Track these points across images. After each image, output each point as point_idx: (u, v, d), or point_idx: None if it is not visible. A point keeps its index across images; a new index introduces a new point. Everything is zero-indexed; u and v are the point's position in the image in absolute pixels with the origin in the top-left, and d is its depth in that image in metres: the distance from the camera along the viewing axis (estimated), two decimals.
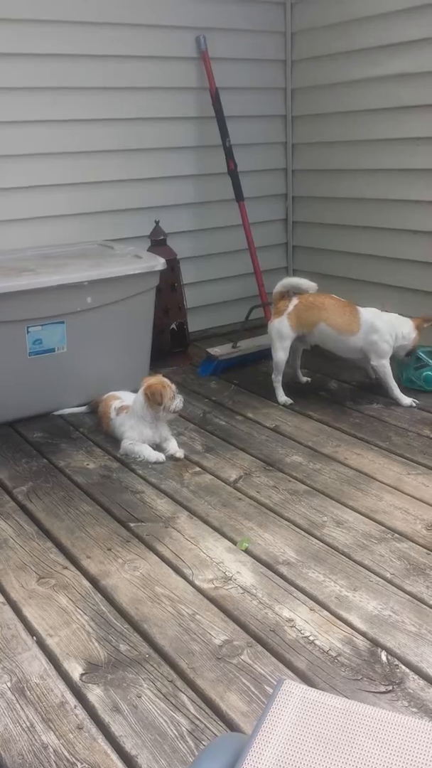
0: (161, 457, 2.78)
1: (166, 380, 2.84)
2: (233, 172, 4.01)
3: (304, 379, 3.56)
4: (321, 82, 4.17)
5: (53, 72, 3.58)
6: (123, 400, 2.98)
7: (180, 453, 2.82)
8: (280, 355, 3.27)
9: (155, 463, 2.76)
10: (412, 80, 3.65)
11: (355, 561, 2.11)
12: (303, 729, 1.01)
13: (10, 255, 3.43)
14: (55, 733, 1.54)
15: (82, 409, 3.25)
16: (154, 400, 2.78)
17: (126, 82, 3.81)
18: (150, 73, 3.88)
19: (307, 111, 4.34)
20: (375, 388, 3.40)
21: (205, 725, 1.55)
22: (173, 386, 2.84)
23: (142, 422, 2.84)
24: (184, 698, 1.63)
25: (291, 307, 3.23)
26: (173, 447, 2.85)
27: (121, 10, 3.71)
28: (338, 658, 1.73)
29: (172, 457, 2.81)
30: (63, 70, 3.61)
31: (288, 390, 3.40)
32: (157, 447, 2.86)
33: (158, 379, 2.85)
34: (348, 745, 0.99)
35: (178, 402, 2.83)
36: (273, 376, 3.33)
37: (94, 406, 3.18)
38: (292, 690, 1.07)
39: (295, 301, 3.24)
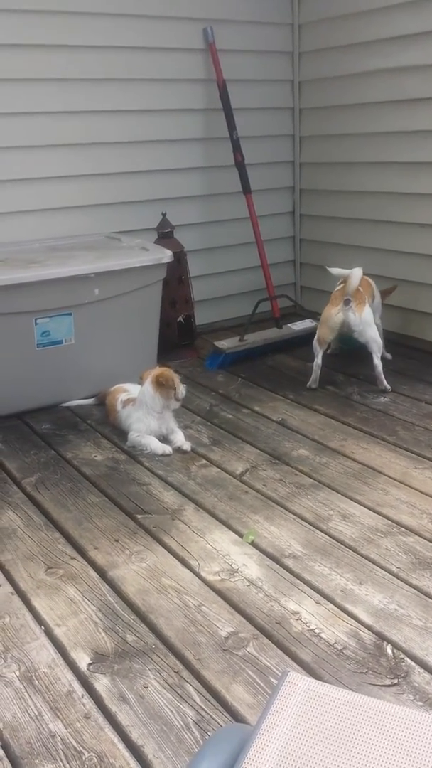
0: (168, 449, 2.80)
1: (169, 369, 2.87)
2: (240, 165, 4.00)
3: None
4: (328, 74, 4.15)
5: (60, 63, 3.58)
6: (130, 393, 2.99)
7: (187, 445, 2.83)
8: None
9: (162, 455, 2.78)
10: (419, 72, 3.63)
11: (361, 555, 2.12)
12: (307, 721, 1.02)
13: (17, 247, 3.44)
14: (62, 722, 1.56)
15: (90, 401, 3.27)
16: (167, 385, 2.80)
17: (134, 74, 3.80)
18: (158, 65, 3.87)
19: (314, 103, 4.32)
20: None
21: (211, 716, 1.56)
22: (177, 376, 2.87)
23: (149, 414, 2.85)
24: (190, 689, 1.64)
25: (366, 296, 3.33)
26: (180, 439, 2.86)
27: (128, 1, 3.69)
28: (344, 651, 1.74)
29: (179, 450, 2.82)
30: (70, 61, 3.60)
31: (298, 381, 3.41)
32: (164, 439, 2.87)
33: (163, 368, 2.88)
34: (352, 737, 1.00)
35: (182, 390, 2.86)
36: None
37: (101, 398, 3.19)
38: (297, 682, 1.07)
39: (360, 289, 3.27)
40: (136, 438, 2.85)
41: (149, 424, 2.85)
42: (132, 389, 3.01)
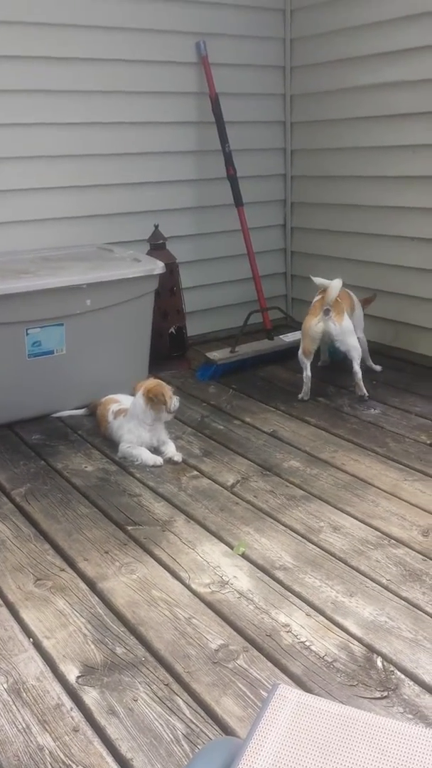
0: (159, 460, 2.79)
1: (161, 381, 2.87)
2: (232, 178, 4.02)
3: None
4: (320, 89, 4.19)
5: (53, 75, 3.59)
6: (121, 404, 2.99)
7: (178, 456, 2.83)
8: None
9: (153, 466, 2.77)
10: (410, 87, 3.67)
11: (351, 567, 2.12)
12: (297, 734, 1.01)
13: (9, 257, 3.44)
14: (50, 735, 1.55)
15: (81, 411, 3.26)
16: (158, 401, 2.79)
17: (126, 86, 3.83)
18: (150, 78, 3.89)
19: (306, 117, 4.35)
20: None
21: (201, 729, 1.56)
22: (170, 388, 2.87)
23: (140, 425, 2.85)
24: (180, 702, 1.63)
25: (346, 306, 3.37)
26: (171, 450, 2.86)
27: (122, 15, 3.72)
28: (334, 664, 1.74)
29: (170, 461, 2.82)
30: (63, 73, 3.62)
31: (289, 393, 3.42)
32: (155, 450, 2.87)
33: (155, 381, 2.88)
34: (342, 750, 1.00)
35: (175, 401, 2.85)
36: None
37: (92, 409, 3.18)
38: (287, 695, 1.07)
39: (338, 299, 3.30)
40: (126, 449, 2.85)
41: (140, 436, 2.85)
42: (123, 400, 3.01)
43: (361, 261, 4.11)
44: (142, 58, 3.84)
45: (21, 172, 3.61)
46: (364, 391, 3.35)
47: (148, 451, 2.83)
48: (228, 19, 4.08)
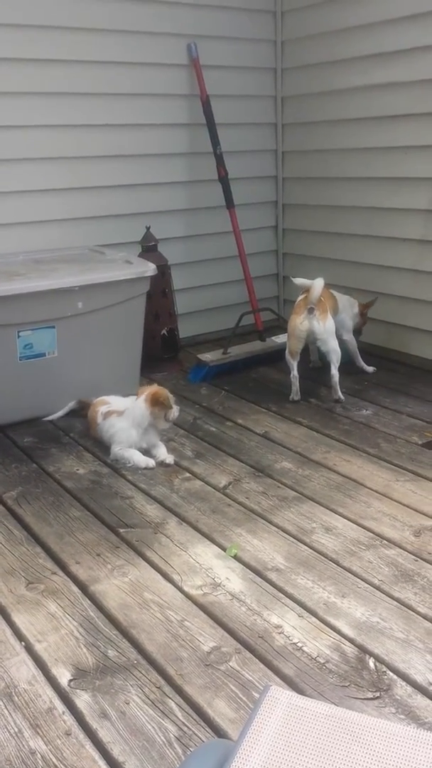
0: (151, 462, 2.79)
1: (164, 389, 2.89)
2: (224, 179, 4.03)
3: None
4: (311, 91, 4.19)
5: (43, 77, 3.59)
6: (111, 405, 2.98)
7: (170, 459, 2.83)
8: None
9: (145, 468, 2.77)
10: (400, 89, 3.68)
11: (343, 567, 2.12)
12: (289, 735, 1.01)
13: (0, 259, 3.43)
14: (42, 739, 1.54)
15: (72, 405, 3.23)
16: (164, 404, 2.81)
17: (117, 89, 3.83)
18: (141, 80, 3.89)
19: (297, 119, 4.36)
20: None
21: (193, 732, 1.55)
22: (171, 396, 2.89)
23: (132, 427, 2.84)
24: (172, 704, 1.63)
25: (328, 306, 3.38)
26: (163, 453, 2.86)
27: (112, 17, 3.72)
28: (326, 665, 1.74)
29: (162, 463, 2.81)
30: (53, 75, 3.62)
31: (281, 394, 3.43)
32: (146, 452, 2.86)
33: (157, 387, 2.90)
34: (334, 751, 1.00)
35: (175, 411, 2.87)
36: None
37: (84, 405, 3.16)
38: (279, 696, 1.07)
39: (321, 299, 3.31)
40: (118, 451, 2.84)
41: (130, 436, 2.85)
42: (113, 401, 3.01)
43: (353, 262, 4.12)
44: (133, 60, 3.84)
45: (11, 174, 3.60)
46: (340, 395, 3.35)
47: (140, 454, 2.82)
48: (219, 21, 4.08)
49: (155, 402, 2.82)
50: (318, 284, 3.23)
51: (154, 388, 2.90)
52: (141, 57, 3.86)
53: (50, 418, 3.23)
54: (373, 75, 3.78)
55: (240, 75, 4.24)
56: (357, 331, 3.73)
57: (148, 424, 2.84)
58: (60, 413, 3.23)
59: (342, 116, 4.02)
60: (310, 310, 3.25)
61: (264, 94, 4.39)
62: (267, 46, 4.32)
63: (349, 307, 3.64)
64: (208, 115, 3.98)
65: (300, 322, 3.27)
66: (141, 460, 2.80)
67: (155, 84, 3.94)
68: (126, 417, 2.87)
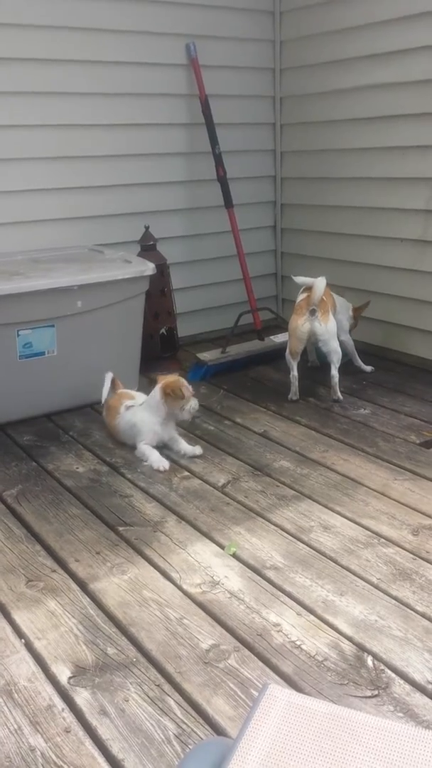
0: (165, 464, 2.78)
1: (182, 380, 2.88)
2: (222, 179, 4.03)
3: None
4: (309, 91, 4.20)
5: (43, 77, 3.59)
6: (135, 401, 2.98)
7: (198, 450, 2.85)
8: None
9: (156, 470, 2.76)
10: (399, 89, 3.69)
11: (341, 566, 2.13)
12: (287, 733, 1.02)
13: (0, 258, 3.43)
14: (42, 736, 1.55)
15: (108, 378, 3.06)
16: (175, 395, 2.80)
17: (116, 88, 3.83)
18: (140, 80, 3.89)
19: (295, 119, 4.37)
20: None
21: (192, 729, 1.56)
22: (190, 387, 2.87)
23: (153, 416, 2.85)
24: (171, 702, 1.64)
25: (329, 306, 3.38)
26: (185, 447, 2.87)
27: (111, 17, 3.72)
28: (324, 663, 1.75)
29: (193, 456, 2.84)
30: (53, 75, 3.62)
31: (280, 393, 3.44)
32: (164, 447, 2.87)
33: (176, 377, 2.90)
34: (333, 749, 1.00)
35: (193, 404, 2.85)
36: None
37: (114, 383, 3.09)
38: (277, 694, 1.08)
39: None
40: (144, 447, 2.85)
41: (154, 429, 2.85)
42: (138, 398, 3.01)
43: (351, 262, 4.12)
44: (131, 60, 3.84)
45: (11, 173, 3.60)
46: (339, 395, 3.36)
47: (158, 453, 2.83)
48: (218, 21, 4.09)
49: (166, 392, 2.82)
50: (320, 284, 3.22)
51: (170, 377, 2.89)
52: (140, 57, 3.86)
53: (103, 399, 3.09)
54: (372, 75, 3.79)
55: (239, 75, 4.24)
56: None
57: (165, 414, 2.84)
58: (104, 392, 3.08)
59: (341, 116, 4.02)
60: (312, 312, 3.24)
61: (263, 94, 4.39)
62: (266, 46, 4.32)
63: (345, 309, 3.65)
64: (207, 115, 3.99)
65: (302, 323, 3.27)
66: (156, 460, 2.80)
67: (154, 84, 3.95)
68: (147, 407, 2.88)
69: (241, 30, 4.19)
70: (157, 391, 2.85)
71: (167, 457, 2.84)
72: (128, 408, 2.95)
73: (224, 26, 4.12)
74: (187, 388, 2.84)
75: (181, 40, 3.97)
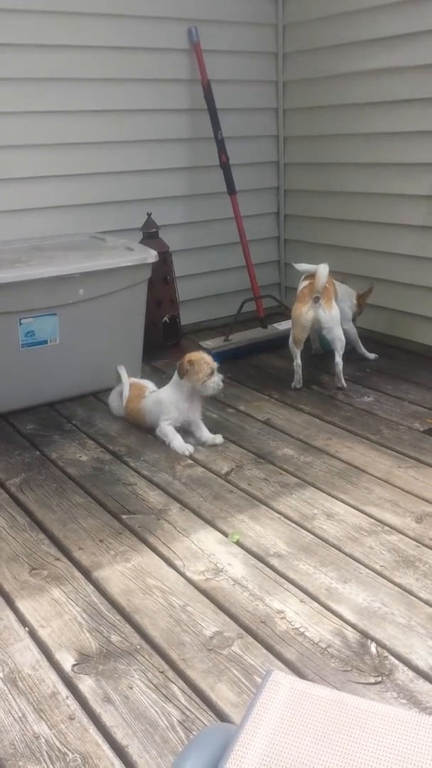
0: (189, 449, 2.79)
1: (206, 355, 2.86)
2: (225, 165, 4.01)
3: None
4: (313, 75, 4.16)
5: (43, 63, 3.57)
6: (151, 388, 3.00)
7: (219, 439, 2.86)
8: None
9: (181, 454, 2.77)
10: (404, 74, 3.65)
11: (345, 553, 2.13)
12: (291, 719, 1.02)
13: (1, 246, 3.42)
14: (46, 723, 1.56)
15: (122, 373, 3.09)
16: (193, 369, 2.77)
17: (118, 74, 3.80)
18: (142, 65, 3.86)
19: (298, 104, 4.33)
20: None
21: (196, 716, 1.57)
22: (214, 364, 2.83)
23: (178, 392, 2.85)
24: (175, 689, 1.64)
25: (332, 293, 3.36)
26: (207, 435, 2.87)
27: (113, 1, 3.69)
28: (328, 650, 1.75)
29: (213, 445, 2.84)
30: (53, 61, 3.59)
31: (283, 381, 3.43)
32: (186, 431, 2.88)
33: (200, 353, 2.87)
34: (336, 735, 1.00)
35: (217, 380, 2.82)
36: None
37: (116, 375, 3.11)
38: (281, 681, 1.08)
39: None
40: (166, 426, 2.85)
41: (179, 408, 2.84)
42: (149, 386, 3.05)
43: (355, 248, 4.10)
44: (133, 45, 3.81)
45: (12, 160, 3.59)
46: (343, 383, 3.34)
47: (181, 438, 2.82)
48: (220, 5, 4.05)
49: (186, 366, 2.79)
50: (323, 271, 3.19)
51: (193, 352, 2.88)
52: (141, 42, 3.83)
53: (125, 390, 3.09)
54: (377, 59, 3.75)
55: (241, 59, 4.21)
56: (353, 320, 3.71)
57: (189, 390, 2.83)
58: (125, 382, 3.07)
59: (344, 101, 3.99)
60: (316, 299, 3.23)
61: (265, 79, 4.36)
62: (269, 30, 4.28)
63: (348, 297, 3.62)
64: (209, 100, 3.96)
65: (306, 311, 3.25)
66: (180, 445, 2.80)
67: (156, 69, 3.92)
68: (171, 384, 2.89)
69: (244, 14, 4.15)
70: (179, 367, 2.85)
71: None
72: (153, 391, 2.97)
73: (227, 10, 4.08)
74: (207, 363, 2.80)
75: (183, 24, 3.93)
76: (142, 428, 2.99)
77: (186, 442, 2.84)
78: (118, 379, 3.09)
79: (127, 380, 3.06)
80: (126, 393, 3.04)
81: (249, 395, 3.37)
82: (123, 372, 3.08)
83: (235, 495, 2.49)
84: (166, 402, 2.88)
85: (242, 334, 3.92)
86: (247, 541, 2.21)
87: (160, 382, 3.16)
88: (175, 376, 2.88)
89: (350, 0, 3.81)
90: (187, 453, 2.77)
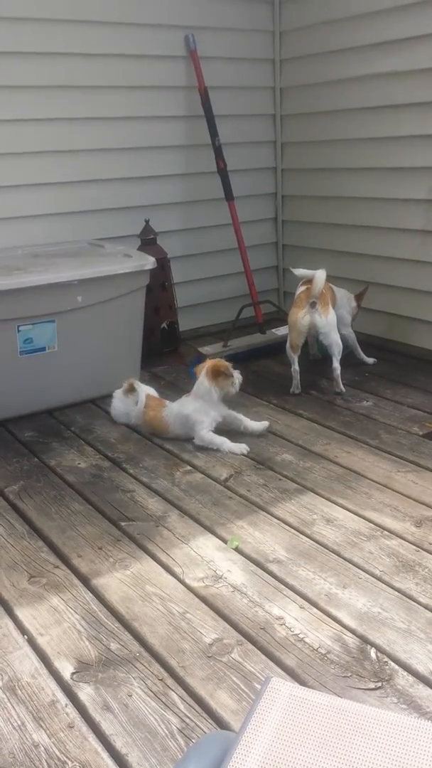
0: (244, 448, 2.81)
1: (222, 360, 2.93)
2: (223, 171, 4.01)
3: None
4: (310, 81, 4.18)
5: (41, 70, 3.58)
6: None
7: (264, 424, 2.93)
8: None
9: (239, 454, 2.79)
10: (400, 78, 3.66)
11: (344, 558, 2.13)
12: (290, 726, 1.02)
13: (0, 254, 3.43)
14: (45, 732, 1.55)
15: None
16: (226, 373, 2.84)
17: (115, 81, 3.81)
18: (139, 72, 3.88)
19: (295, 110, 4.34)
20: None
21: (195, 723, 1.56)
22: (229, 363, 2.91)
23: (206, 404, 2.87)
24: (175, 696, 1.64)
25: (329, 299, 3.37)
26: (251, 423, 2.93)
27: (109, 9, 3.70)
28: (328, 656, 1.74)
29: (261, 434, 2.92)
30: (51, 68, 3.60)
31: (281, 386, 3.43)
32: (220, 428, 2.90)
33: (214, 360, 2.93)
34: (336, 742, 1.00)
35: (238, 376, 2.90)
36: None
37: (130, 387, 3.10)
38: (280, 688, 1.07)
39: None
40: (207, 435, 2.85)
41: (210, 414, 2.87)
42: (152, 391, 3.08)
43: (353, 253, 4.11)
44: (130, 53, 3.82)
45: (9, 168, 3.59)
46: (341, 387, 3.35)
47: (229, 441, 2.84)
48: (217, 12, 4.06)
49: (216, 374, 2.85)
50: (320, 276, 3.20)
51: (210, 362, 2.91)
52: (139, 49, 3.84)
53: (142, 399, 3.07)
54: (374, 64, 3.76)
55: (238, 66, 4.22)
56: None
57: (218, 396, 2.87)
58: (140, 391, 3.05)
59: (341, 106, 4.00)
60: (312, 304, 3.23)
61: (263, 85, 4.37)
62: (266, 36, 4.30)
63: (346, 302, 3.62)
64: (207, 107, 3.97)
65: (302, 316, 3.25)
66: (233, 446, 2.83)
67: (153, 76, 3.93)
68: (196, 396, 2.90)
69: (241, 21, 4.16)
70: (204, 377, 2.87)
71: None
72: (175, 401, 2.99)
73: (223, 17, 4.10)
74: (228, 366, 2.88)
75: (180, 31, 3.95)
76: (163, 437, 2.98)
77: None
78: (132, 390, 3.06)
79: (143, 391, 3.06)
80: (142, 403, 3.03)
81: (248, 401, 3.37)
82: (139, 384, 3.08)
83: (235, 501, 2.48)
84: (195, 416, 2.88)
85: (241, 340, 3.92)
86: (246, 547, 2.20)
87: (159, 389, 3.16)
88: (199, 387, 2.89)
89: (346, 6, 3.82)
90: (244, 452, 2.80)
